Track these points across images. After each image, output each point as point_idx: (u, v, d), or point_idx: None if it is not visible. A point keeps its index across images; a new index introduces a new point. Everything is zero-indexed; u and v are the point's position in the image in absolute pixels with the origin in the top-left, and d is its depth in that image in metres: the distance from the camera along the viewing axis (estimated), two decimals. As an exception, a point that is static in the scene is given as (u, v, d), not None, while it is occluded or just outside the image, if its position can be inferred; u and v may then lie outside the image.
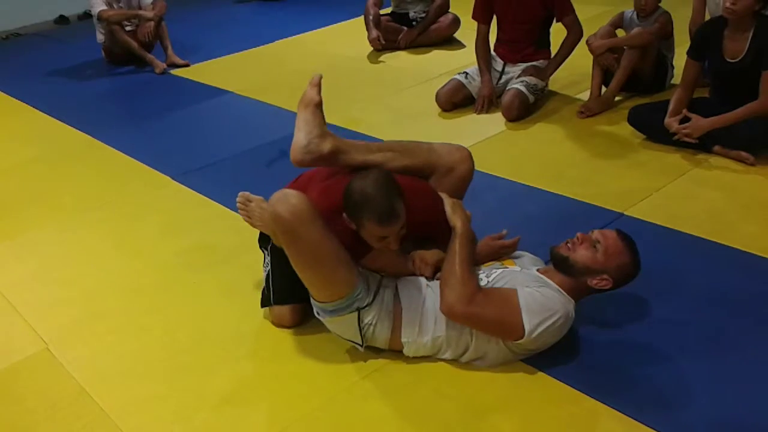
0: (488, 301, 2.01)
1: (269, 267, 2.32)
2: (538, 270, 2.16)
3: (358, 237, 2.06)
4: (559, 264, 2.10)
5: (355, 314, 2.09)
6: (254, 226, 2.36)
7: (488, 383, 2.04)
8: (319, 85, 2.32)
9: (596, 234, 2.09)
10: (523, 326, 1.96)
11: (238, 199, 2.38)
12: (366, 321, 2.11)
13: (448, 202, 2.18)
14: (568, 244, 2.10)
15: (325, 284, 2.07)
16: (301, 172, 2.35)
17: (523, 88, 3.84)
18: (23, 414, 2.09)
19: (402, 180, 2.11)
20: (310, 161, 2.22)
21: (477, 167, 3.28)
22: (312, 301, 2.16)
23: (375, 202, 1.95)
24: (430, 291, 2.13)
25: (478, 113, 3.96)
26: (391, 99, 4.36)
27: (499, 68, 4.09)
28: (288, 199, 1.98)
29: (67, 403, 2.11)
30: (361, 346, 2.15)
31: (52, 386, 2.20)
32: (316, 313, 2.18)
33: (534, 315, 1.96)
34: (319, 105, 2.28)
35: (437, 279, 2.14)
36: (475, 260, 2.20)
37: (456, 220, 2.14)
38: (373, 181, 1.97)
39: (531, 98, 3.86)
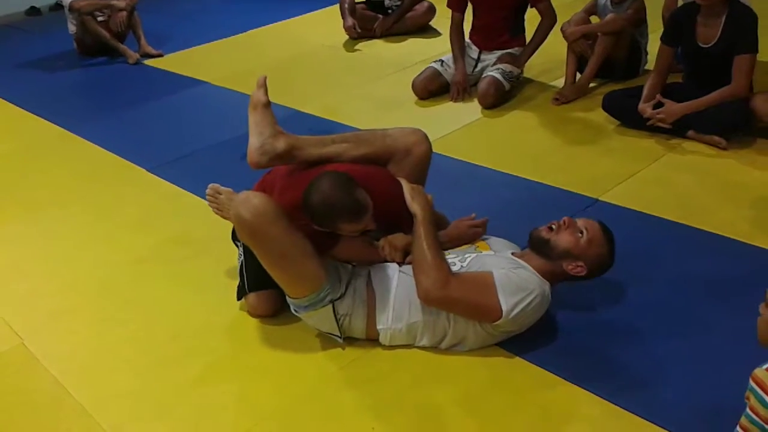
0: (464, 285, 2.02)
1: (242, 258, 2.32)
2: (512, 254, 2.17)
3: (324, 231, 2.08)
4: (537, 246, 2.11)
5: (330, 307, 2.10)
6: (224, 218, 2.39)
7: (467, 369, 2.05)
8: (264, 86, 2.33)
9: (582, 222, 2.12)
10: (500, 307, 1.97)
11: (207, 192, 2.43)
12: (341, 312, 2.12)
13: (406, 189, 2.18)
14: (552, 227, 2.12)
15: (296, 280, 2.10)
16: (265, 172, 2.35)
17: (498, 76, 3.84)
18: (0, 410, 2.07)
19: (360, 169, 2.14)
20: (267, 162, 2.23)
21: (454, 155, 3.32)
22: (288, 299, 2.17)
23: (340, 205, 1.99)
24: (403, 276, 2.13)
25: (454, 101, 3.97)
26: (368, 88, 4.34)
27: (475, 56, 4.09)
28: (250, 201, 2.01)
29: (45, 399, 2.10)
30: (340, 338, 2.15)
31: (28, 381, 2.18)
32: (293, 311, 2.18)
33: (510, 295, 1.98)
34: (267, 105, 2.29)
35: (408, 263, 2.15)
36: (448, 242, 2.22)
37: (415, 207, 2.14)
38: (328, 188, 2.00)
39: (507, 85, 3.87)
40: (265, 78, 2.35)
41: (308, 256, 2.07)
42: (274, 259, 2.07)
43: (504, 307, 1.97)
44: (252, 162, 2.26)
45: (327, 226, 2.06)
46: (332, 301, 2.10)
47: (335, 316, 2.11)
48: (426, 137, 2.32)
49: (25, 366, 2.24)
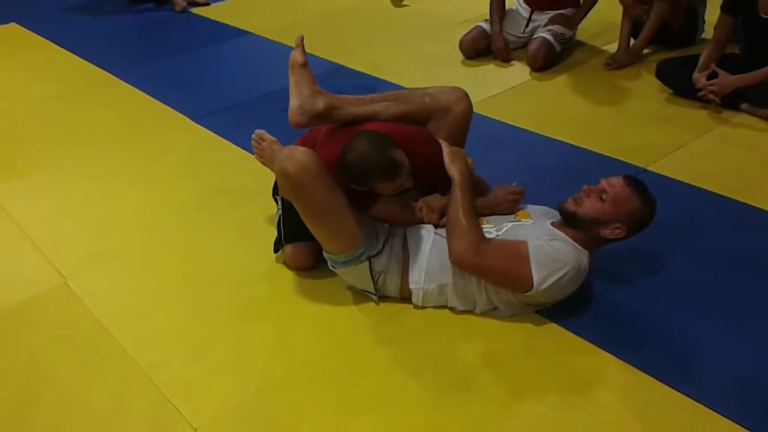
0: (496, 251, 2.00)
1: (280, 212, 2.33)
2: (552, 223, 2.13)
3: (361, 190, 2.08)
4: (568, 220, 2.07)
5: (367, 264, 2.10)
6: (263, 164, 2.45)
7: (501, 333, 2.05)
8: (302, 46, 2.33)
9: (602, 183, 2.05)
10: (531, 278, 1.95)
11: (253, 137, 2.46)
12: (377, 269, 2.12)
13: (446, 151, 2.15)
14: (575, 199, 2.06)
15: (335, 236, 2.09)
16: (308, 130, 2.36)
17: (550, 37, 3.76)
18: (41, 345, 2.13)
19: (399, 128, 2.13)
20: (307, 121, 2.24)
21: (500, 117, 3.27)
22: (325, 254, 2.18)
23: (374, 164, 1.99)
24: (438, 238, 2.12)
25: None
26: (415, 44, 4.29)
27: (526, 15, 4.00)
28: (294, 155, 2.00)
29: (85, 337, 2.15)
30: (375, 295, 2.16)
31: (69, 319, 2.23)
32: (330, 266, 2.19)
33: (543, 267, 1.95)
34: (304, 65, 2.30)
35: (443, 225, 2.13)
36: (486, 208, 2.20)
37: (454, 170, 2.11)
38: (363, 147, 2.00)
39: (558, 48, 3.79)
40: (302, 38, 2.35)
41: (348, 214, 2.07)
42: (315, 215, 2.07)
43: (535, 278, 1.95)
44: (292, 122, 2.28)
45: (362, 185, 2.06)
46: (369, 258, 2.10)
47: (371, 273, 2.12)
48: (466, 95, 2.28)
49: (66, 304, 2.29)
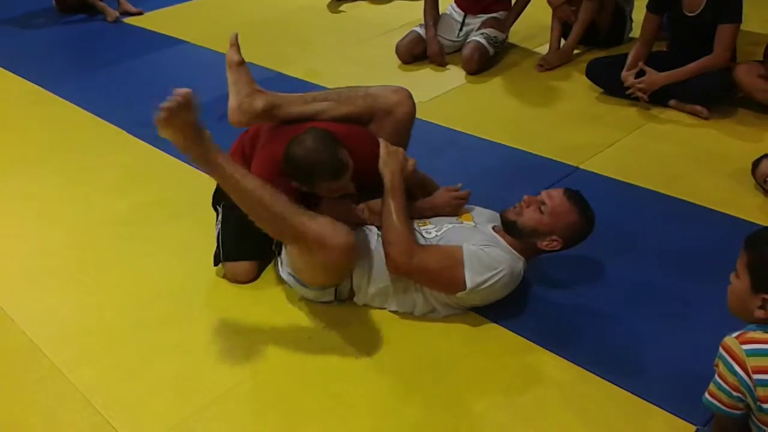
0: (430, 256, 2.01)
1: (220, 225, 2.30)
2: (494, 227, 2.16)
3: (305, 193, 2.07)
4: (509, 229, 2.09)
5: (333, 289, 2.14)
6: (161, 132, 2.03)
7: (440, 334, 2.07)
8: (236, 45, 2.29)
9: (543, 195, 2.07)
10: (464, 282, 1.97)
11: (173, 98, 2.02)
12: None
13: (383, 151, 2.14)
14: (516, 208, 2.09)
15: (330, 278, 2.10)
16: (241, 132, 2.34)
17: (483, 41, 3.81)
18: (-27, 371, 2.06)
19: (341, 128, 2.11)
20: (248, 120, 2.21)
21: (437, 121, 3.30)
22: (291, 274, 2.15)
23: (322, 162, 1.97)
24: (379, 239, 2.13)
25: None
26: (352, 50, 4.29)
27: (460, 19, 4.05)
28: (340, 237, 1.92)
29: (19, 358, 2.08)
30: (335, 301, 2.16)
31: (2, 341, 2.16)
32: (292, 285, 2.17)
33: (476, 272, 1.97)
34: (241, 63, 2.26)
35: None
36: (429, 210, 2.22)
37: (386, 172, 2.11)
38: (313, 143, 1.98)
39: (491, 51, 3.84)
40: (236, 36, 2.31)
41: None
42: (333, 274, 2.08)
43: (468, 283, 1.97)
44: (232, 121, 2.23)
45: (306, 182, 2.02)
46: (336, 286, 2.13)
47: (335, 290, 2.13)
48: (410, 96, 2.28)
49: (-1, 326, 2.22)
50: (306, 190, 2.06)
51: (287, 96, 2.25)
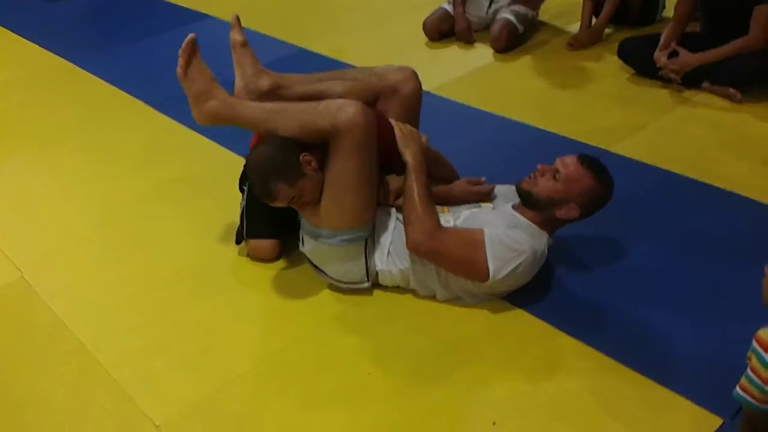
0: (452, 239, 1.98)
1: (244, 203, 2.30)
2: (513, 206, 2.12)
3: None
4: (525, 200, 2.05)
5: (363, 243, 2.07)
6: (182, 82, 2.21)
7: (465, 319, 2.05)
8: (238, 25, 2.28)
9: (557, 162, 2.02)
10: (487, 267, 1.93)
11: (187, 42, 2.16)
12: (369, 252, 2.08)
13: (398, 133, 2.12)
14: (531, 178, 2.04)
15: (360, 206, 2.03)
16: None
17: (512, 18, 3.75)
18: (-1, 343, 2.09)
19: None
20: (255, 101, 2.19)
21: (463, 100, 3.26)
22: (322, 231, 2.06)
23: (278, 164, 1.99)
24: (398, 221, 2.11)
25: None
26: (378, 27, 4.24)
27: (489, -5, 3.98)
28: (364, 110, 1.94)
29: (44, 333, 2.11)
30: (368, 281, 2.11)
31: (28, 316, 2.19)
32: (322, 242, 2.08)
33: (498, 256, 1.93)
34: (243, 44, 2.26)
35: (399, 205, 2.11)
36: (448, 199, 2.18)
37: (408, 154, 2.08)
38: (266, 148, 2.03)
39: (520, 28, 3.78)
40: (237, 16, 2.30)
41: (375, 186, 2.06)
42: (360, 177, 1.99)
43: (491, 267, 1.93)
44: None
45: (262, 189, 2.04)
46: (366, 239, 2.07)
47: (365, 254, 2.08)
48: (414, 74, 2.26)
49: (24, 300, 2.24)
50: (267, 202, 2.05)
51: (293, 76, 2.27)
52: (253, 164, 2.06)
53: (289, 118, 2.03)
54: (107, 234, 2.55)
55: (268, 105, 2.11)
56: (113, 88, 3.65)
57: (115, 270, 2.36)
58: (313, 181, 2.02)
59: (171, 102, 3.43)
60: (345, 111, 1.93)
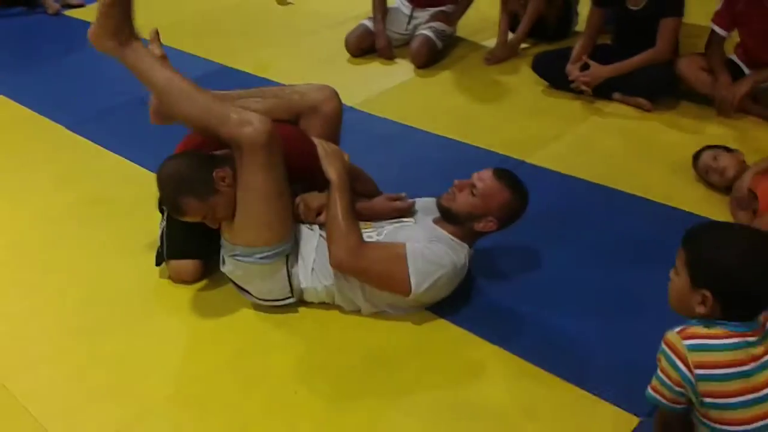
0: (375, 254, 2.00)
1: (165, 223, 2.25)
2: (434, 220, 2.14)
3: None
4: (445, 215, 2.10)
5: (284, 260, 2.05)
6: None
7: (389, 331, 2.06)
8: (157, 40, 2.25)
9: (473, 177, 2.07)
10: (409, 280, 1.96)
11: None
12: (291, 268, 2.07)
13: (321, 151, 2.13)
14: (449, 194, 2.08)
15: (273, 222, 2.00)
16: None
17: (431, 34, 3.81)
18: None
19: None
20: (173, 121, 2.18)
21: (386, 115, 3.28)
22: (239, 250, 2.03)
23: (188, 178, 1.98)
24: (322, 239, 2.10)
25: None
26: (301, 43, 4.25)
27: (408, 13, 4.03)
28: (267, 129, 1.92)
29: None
30: (292, 297, 2.10)
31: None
32: (242, 261, 2.05)
33: (420, 270, 1.96)
34: (163, 58, 2.21)
35: (321, 222, 2.12)
36: (368, 214, 2.19)
37: (331, 171, 2.08)
38: (177, 162, 2.02)
39: (439, 44, 3.85)
40: (156, 30, 2.28)
41: (290, 201, 2.04)
42: (269, 190, 1.97)
43: (413, 281, 1.95)
44: (154, 121, 2.24)
45: (172, 205, 2.03)
46: (287, 255, 2.05)
47: (288, 270, 2.06)
48: (335, 94, 2.29)
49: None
50: (177, 217, 2.04)
51: (213, 93, 2.22)
52: (164, 177, 2.02)
53: (196, 108, 2.00)
54: (17, 259, 2.45)
55: (184, 83, 2.05)
56: (27, 110, 3.53)
57: (27, 297, 2.27)
58: (227, 198, 2.00)
59: (87, 123, 3.34)
60: (247, 127, 1.93)
